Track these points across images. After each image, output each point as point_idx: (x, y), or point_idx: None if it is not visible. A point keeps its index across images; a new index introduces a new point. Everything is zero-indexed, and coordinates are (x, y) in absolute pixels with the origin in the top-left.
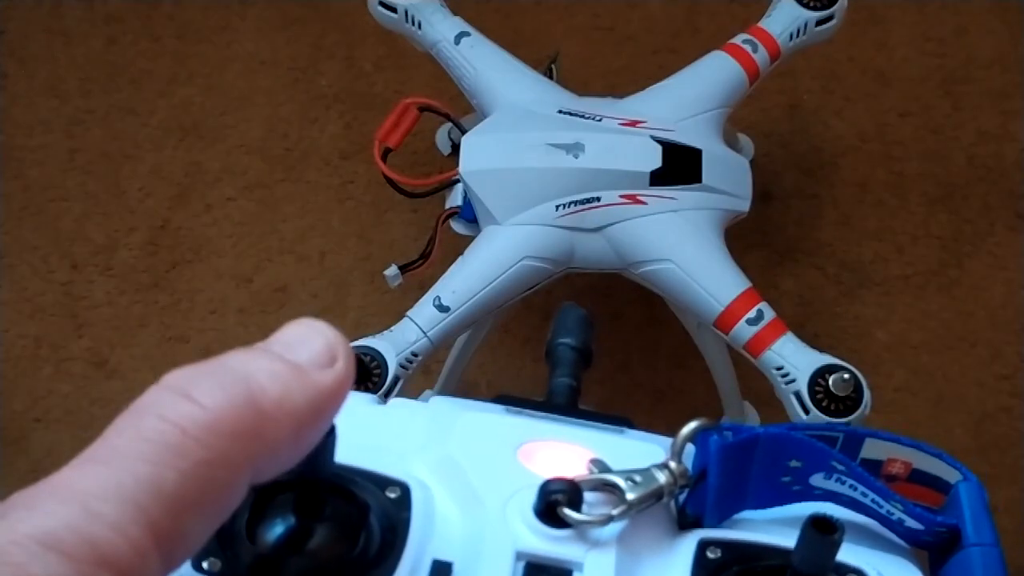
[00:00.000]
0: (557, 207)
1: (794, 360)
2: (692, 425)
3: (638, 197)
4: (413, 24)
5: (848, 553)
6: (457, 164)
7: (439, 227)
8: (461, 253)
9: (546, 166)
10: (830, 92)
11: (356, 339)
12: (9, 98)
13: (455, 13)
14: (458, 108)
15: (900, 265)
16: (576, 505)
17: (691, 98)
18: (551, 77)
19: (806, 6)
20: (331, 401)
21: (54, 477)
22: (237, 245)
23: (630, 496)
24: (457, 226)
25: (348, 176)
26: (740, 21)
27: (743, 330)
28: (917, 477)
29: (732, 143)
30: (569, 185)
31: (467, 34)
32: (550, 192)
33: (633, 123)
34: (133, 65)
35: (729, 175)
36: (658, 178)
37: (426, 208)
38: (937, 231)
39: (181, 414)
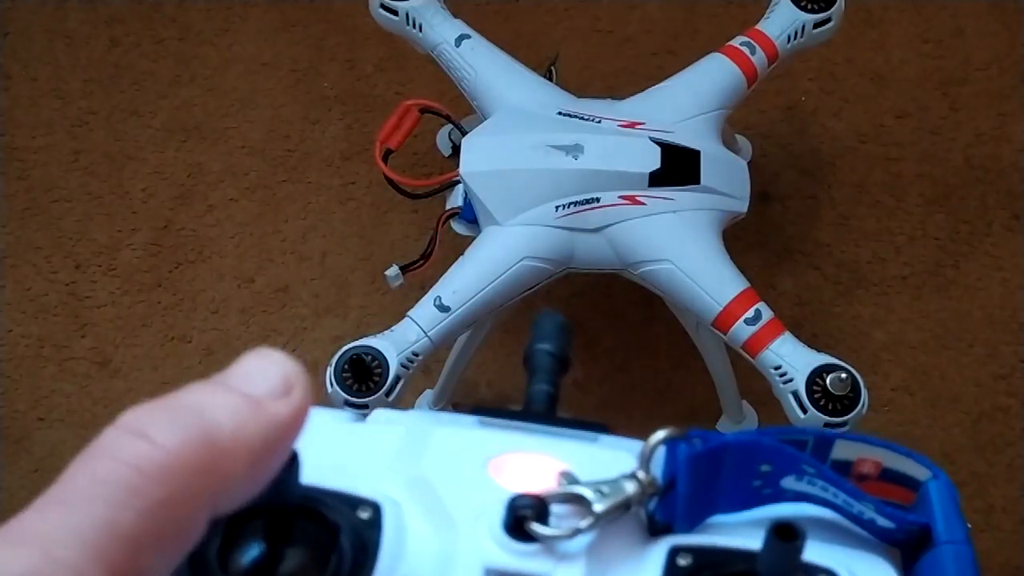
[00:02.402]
0: (557, 208)
1: (792, 360)
2: (659, 435)
3: (637, 198)
4: (414, 26)
5: (820, 552)
6: (457, 165)
7: (440, 228)
8: (461, 253)
9: (546, 167)
10: (828, 93)
11: (357, 339)
12: (12, 99)
13: (456, 15)
14: (459, 110)
15: (898, 265)
16: (543, 519)
17: (690, 100)
18: (551, 79)
19: (804, 8)
20: (287, 431)
21: (16, 521)
22: (239, 245)
23: (597, 508)
24: (458, 227)
25: (349, 177)
26: (738, 23)
27: (741, 330)
28: (888, 476)
29: (730, 144)
30: (569, 186)
31: (468, 36)
32: (550, 193)
33: (632, 125)
34: (136, 66)
35: (727, 176)
36: (657, 179)
37: (427, 209)
38: (934, 231)
39: (137, 455)
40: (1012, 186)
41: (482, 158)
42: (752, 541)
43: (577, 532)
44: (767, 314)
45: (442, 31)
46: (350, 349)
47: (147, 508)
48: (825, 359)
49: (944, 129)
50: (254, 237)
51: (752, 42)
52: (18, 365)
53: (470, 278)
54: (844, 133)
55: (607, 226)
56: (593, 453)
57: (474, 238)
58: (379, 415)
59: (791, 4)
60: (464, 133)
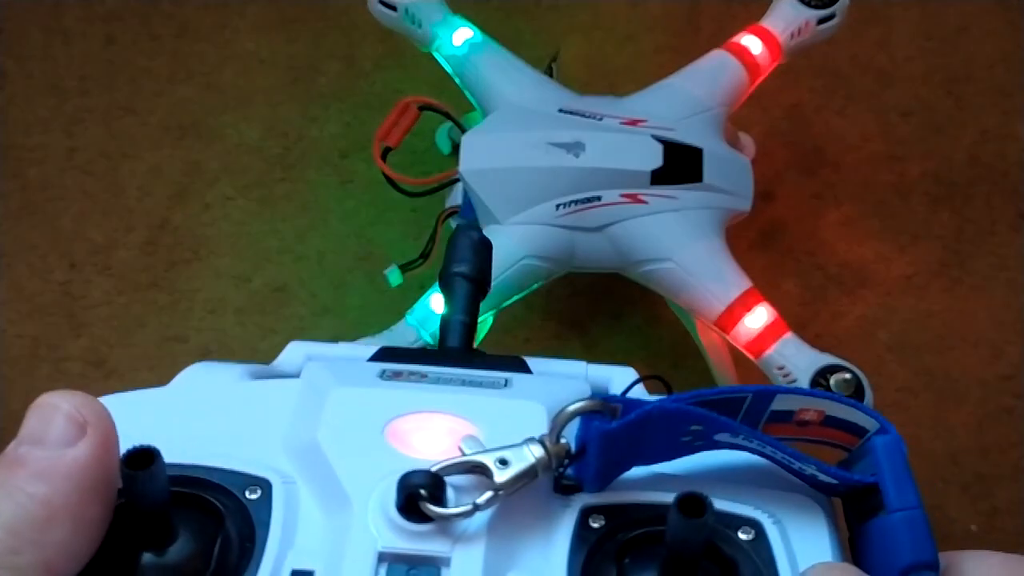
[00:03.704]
0: (558, 206)
1: (795, 360)
2: (571, 408)
3: (639, 196)
4: (413, 23)
5: (744, 495)
6: (457, 163)
7: (439, 226)
8: None
9: (547, 165)
10: (832, 91)
11: (356, 339)
12: (7, 97)
13: (455, 12)
14: (458, 107)
15: (902, 265)
16: (439, 495)
17: (692, 97)
18: (552, 76)
19: (808, 5)
20: (96, 468)
21: None
22: (236, 244)
23: (499, 479)
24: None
25: (348, 175)
26: (741, 20)
27: (744, 330)
28: (830, 423)
29: (733, 142)
30: (570, 184)
31: (468, 33)
32: (551, 191)
33: (634, 122)
34: (132, 64)
35: (730, 174)
36: (659, 177)
37: (426, 207)
38: (939, 231)
39: None
40: (1018, 185)
41: (482, 156)
42: (673, 495)
43: (475, 508)
44: (770, 314)
45: (441, 27)
46: None
47: None
48: (829, 359)
49: (949, 127)
50: (251, 236)
51: (755, 39)
52: (13, 365)
53: None
54: (848, 131)
55: (608, 225)
56: (502, 408)
57: None
58: (289, 352)
59: (795, 0)
60: (463, 131)
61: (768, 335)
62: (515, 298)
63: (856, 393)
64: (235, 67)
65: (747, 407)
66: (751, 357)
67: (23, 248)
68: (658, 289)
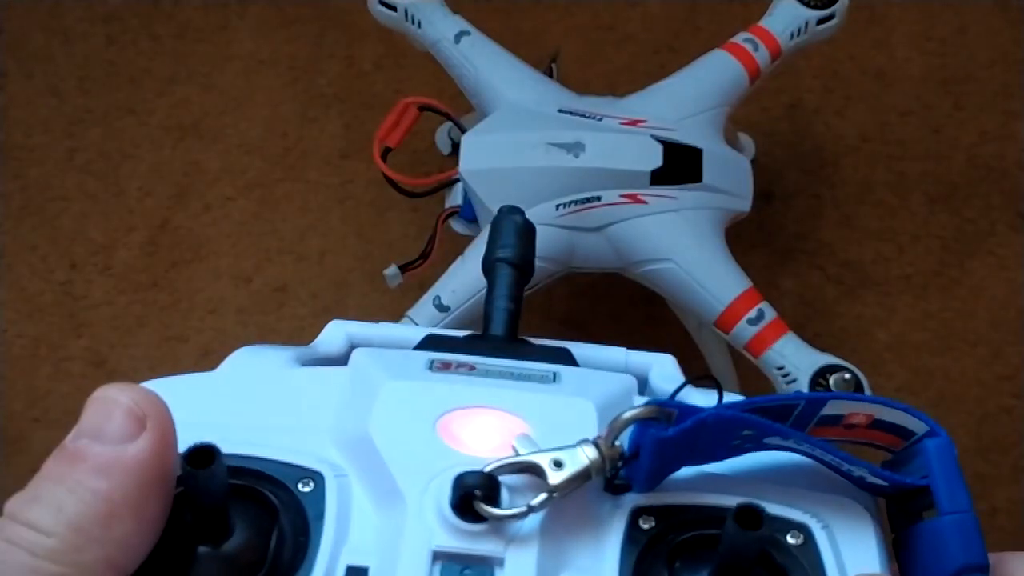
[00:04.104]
0: (557, 207)
1: (795, 360)
2: (627, 415)
3: (639, 196)
4: (413, 22)
5: (792, 498)
6: (457, 163)
7: (439, 226)
8: (461, 253)
9: (546, 165)
10: (831, 91)
11: None
12: (7, 97)
13: (455, 12)
14: (458, 107)
15: (901, 265)
16: (493, 496)
17: (692, 97)
18: (551, 76)
19: (807, 5)
20: (156, 465)
21: None
22: (236, 245)
23: (553, 481)
24: (457, 226)
25: (348, 176)
26: (741, 20)
27: (744, 330)
28: (878, 425)
29: (733, 142)
30: (569, 184)
31: (467, 33)
32: (550, 191)
33: (634, 122)
34: (132, 64)
35: (730, 174)
36: (659, 177)
37: (426, 208)
38: (938, 231)
39: (30, 541)
40: (1016, 185)
41: (482, 156)
42: (723, 496)
43: (529, 510)
44: (770, 314)
45: (441, 27)
46: None
47: None
48: (828, 359)
49: (948, 128)
50: (252, 236)
51: (755, 39)
52: (14, 365)
53: (470, 277)
54: (847, 131)
55: (608, 225)
56: (552, 405)
57: (474, 237)
58: (330, 332)
59: (794, 1)
60: (463, 131)
61: (768, 335)
62: None
63: (855, 392)
64: (235, 67)
65: (798, 412)
66: (751, 357)
67: (24, 248)
68: (658, 289)
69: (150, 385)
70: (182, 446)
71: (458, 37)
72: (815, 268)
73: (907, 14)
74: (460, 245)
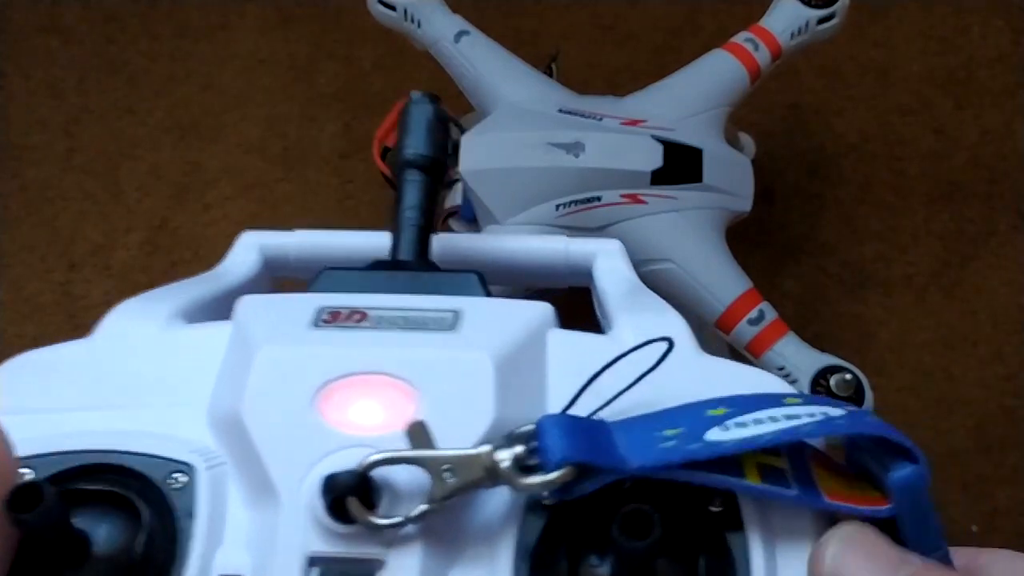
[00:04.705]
0: (557, 207)
1: (796, 361)
2: (538, 480)
3: (639, 196)
4: (412, 22)
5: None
6: (456, 163)
7: (439, 227)
8: None
9: (546, 165)
10: (832, 91)
11: None
12: (6, 97)
13: (454, 11)
14: (458, 107)
15: (902, 265)
16: (369, 498)
17: (692, 97)
18: (551, 76)
19: (808, 4)
20: None
21: None
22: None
23: (437, 493)
24: (457, 226)
25: (347, 176)
26: (741, 20)
27: (744, 330)
28: (852, 459)
29: (733, 142)
30: (569, 184)
31: (467, 32)
32: (550, 191)
33: (634, 122)
34: (131, 64)
35: (730, 174)
36: (659, 177)
37: None
38: (939, 231)
39: None
40: (1018, 185)
41: (481, 156)
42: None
43: (406, 522)
44: (771, 314)
45: (441, 27)
46: None
47: None
48: (829, 360)
49: (949, 127)
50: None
51: (755, 38)
52: None
53: None
54: (848, 131)
55: (608, 225)
56: (447, 363)
57: None
58: (241, 248)
59: (795, 0)
60: (463, 131)
61: (768, 335)
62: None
63: (856, 393)
64: (235, 67)
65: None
66: (752, 357)
67: (22, 248)
68: (658, 289)
69: (13, 362)
70: (41, 436)
71: (458, 36)
72: (816, 268)
73: (908, 13)
74: None
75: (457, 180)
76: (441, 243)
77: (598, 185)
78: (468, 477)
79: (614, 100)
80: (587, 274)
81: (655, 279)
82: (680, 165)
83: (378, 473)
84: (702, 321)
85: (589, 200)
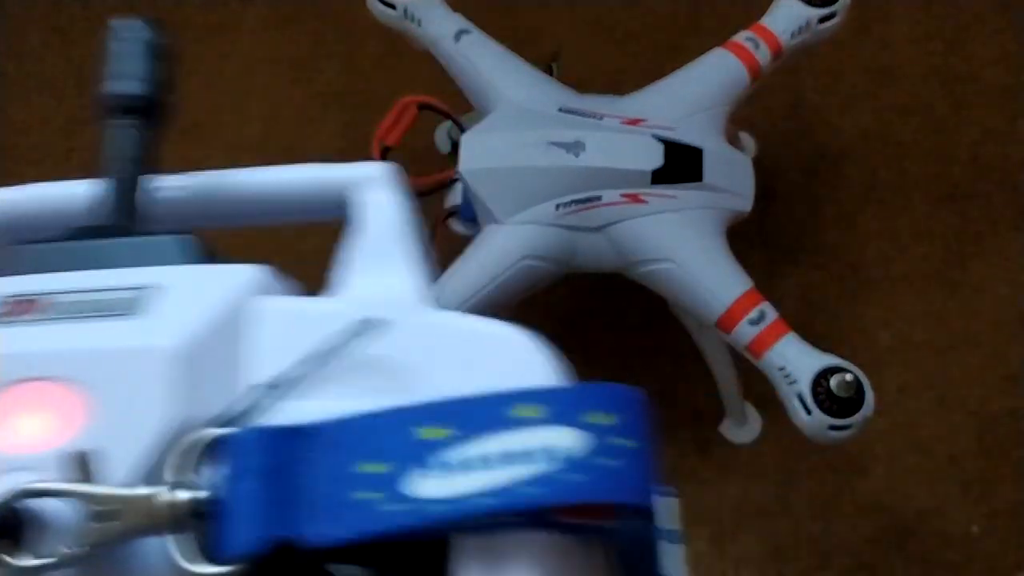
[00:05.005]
0: (558, 206)
1: (796, 361)
2: (193, 438)
3: (639, 196)
4: (413, 21)
5: None
6: (456, 163)
7: (439, 226)
8: (461, 253)
9: (547, 165)
10: (833, 90)
11: None
12: (6, 97)
13: (455, 10)
14: (458, 107)
15: (903, 265)
16: (13, 533)
17: (692, 96)
18: (552, 75)
19: (809, 3)
20: None
21: None
22: (235, 245)
23: (92, 536)
24: (457, 225)
25: None
26: (742, 19)
27: (745, 331)
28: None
29: (734, 141)
30: (570, 184)
31: (467, 32)
32: (551, 191)
33: (634, 121)
34: None
35: (731, 174)
36: (659, 177)
37: (425, 207)
38: (940, 231)
39: None
40: (1019, 185)
41: (482, 155)
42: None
43: (46, 567)
44: (771, 314)
45: (441, 25)
46: None
47: None
48: (830, 360)
49: (950, 127)
50: (250, 236)
51: (756, 38)
52: None
53: (469, 278)
54: (849, 131)
55: (608, 225)
56: (118, 362)
57: (473, 237)
58: None
59: (796, 0)
60: (463, 130)
61: (769, 336)
62: (516, 298)
63: (856, 393)
64: (235, 67)
65: None
66: (752, 358)
67: None
68: (658, 289)
69: None
70: None
71: (458, 36)
72: (816, 268)
73: (909, 13)
74: (460, 245)
75: (456, 179)
76: (167, 190)
77: (598, 184)
78: (130, 522)
79: (614, 99)
80: (343, 206)
81: (655, 279)
82: (680, 164)
83: (32, 504)
84: (702, 321)
85: (589, 199)
